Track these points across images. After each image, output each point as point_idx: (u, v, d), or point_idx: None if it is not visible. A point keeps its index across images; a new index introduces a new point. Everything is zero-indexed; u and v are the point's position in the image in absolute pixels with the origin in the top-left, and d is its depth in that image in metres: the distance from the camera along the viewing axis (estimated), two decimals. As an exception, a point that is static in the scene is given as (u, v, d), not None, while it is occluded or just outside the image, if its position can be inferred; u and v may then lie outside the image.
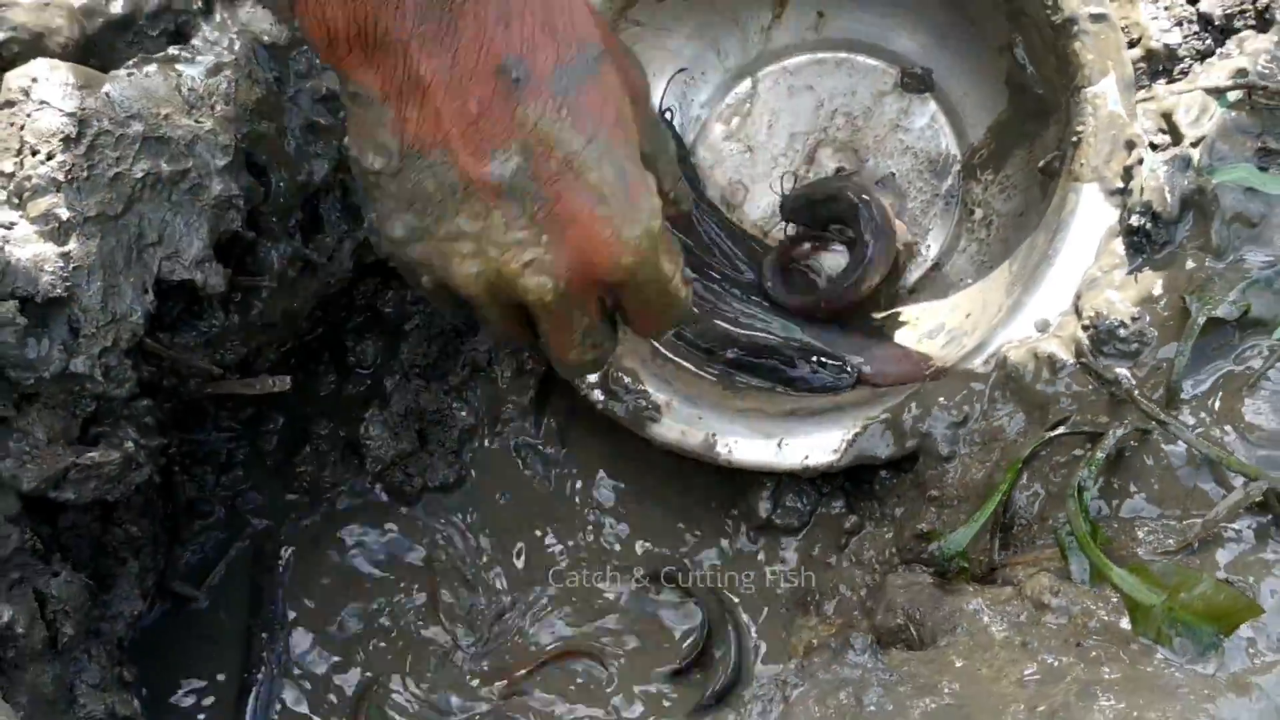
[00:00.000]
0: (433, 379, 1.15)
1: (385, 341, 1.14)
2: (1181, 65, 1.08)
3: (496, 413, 1.16)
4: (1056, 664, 0.79)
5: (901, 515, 1.03)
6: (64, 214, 0.86)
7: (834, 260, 1.17)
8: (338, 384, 1.16)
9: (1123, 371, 0.93)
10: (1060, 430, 0.94)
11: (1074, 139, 1.04)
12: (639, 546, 1.12)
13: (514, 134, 0.74)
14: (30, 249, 0.84)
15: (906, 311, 1.16)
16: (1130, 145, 1.02)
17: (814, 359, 1.12)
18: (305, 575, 1.10)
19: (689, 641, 1.07)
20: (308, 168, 0.98)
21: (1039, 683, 0.77)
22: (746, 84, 1.24)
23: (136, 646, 0.98)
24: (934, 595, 0.89)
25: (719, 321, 1.16)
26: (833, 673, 0.82)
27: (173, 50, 0.93)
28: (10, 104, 0.87)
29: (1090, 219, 1.01)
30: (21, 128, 0.87)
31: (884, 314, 1.17)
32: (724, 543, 1.11)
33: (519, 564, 1.11)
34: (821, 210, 1.18)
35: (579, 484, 1.14)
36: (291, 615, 1.08)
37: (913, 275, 1.18)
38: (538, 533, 1.12)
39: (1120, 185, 1.01)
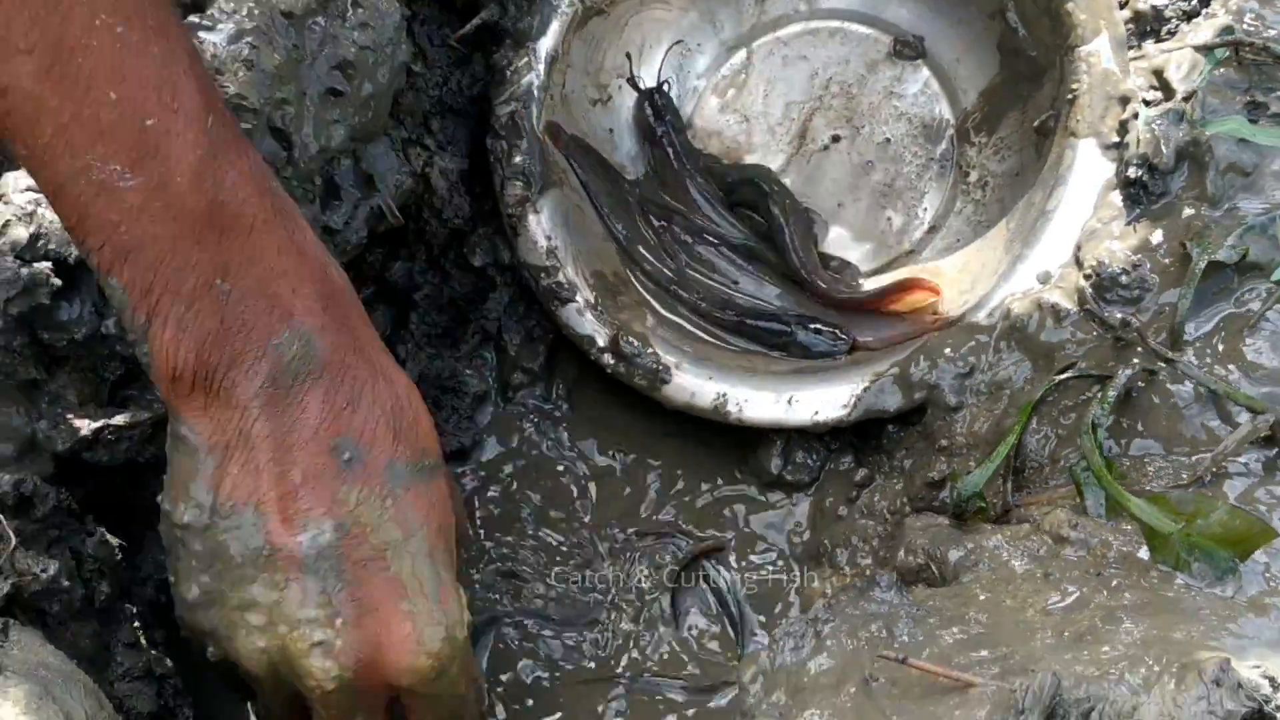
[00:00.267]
0: (444, 347, 1.16)
1: (396, 311, 1.16)
2: (1169, 25, 1.11)
3: (507, 379, 1.17)
4: (1079, 593, 0.81)
5: (911, 466, 1.05)
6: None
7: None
8: (349, 354, 1.17)
9: (1126, 315, 0.96)
10: (1069, 374, 0.96)
11: (1069, 97, 1.07)
12: (648, 507, 1.13)
13: (332, 511, 0.74)
14: (62, 212, 0.85)
15: (904, 272, 1.19)
16: (1125, 101, 1.05)
17: (811, 326, 1.14)
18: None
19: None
20: (326, 133, 0.99)
21: (1064, 610, 0.80)
22: (742, 55, 1.26)
23: (162, 611, 0.99)
24: (953, 535, 0.91)
25: (717, 285, 1.18)
26: (861, 609, 0.84)
27: (193, 19, 0.94)
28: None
29: (1088, 173, 1.04)
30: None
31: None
32: (734, 499, 1.13)
33: (530, 527, 1.12)
34: (734, 194, 1.22)
35: (590, 447, 1.16)
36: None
37: (910, 238, 1.20)
38: (549, 496, 1.14)
39: (1116, 140, 1.04)
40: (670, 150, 1.21)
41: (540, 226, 1.13)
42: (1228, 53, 1.04)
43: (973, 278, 1.11)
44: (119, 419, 0.88)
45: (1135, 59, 1.08)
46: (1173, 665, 0.71)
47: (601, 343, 1.11)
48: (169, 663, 0.91)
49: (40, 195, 0.85)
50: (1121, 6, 1.12)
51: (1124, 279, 0.98)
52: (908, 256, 1.19)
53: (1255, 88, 1.03)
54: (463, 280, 1.17)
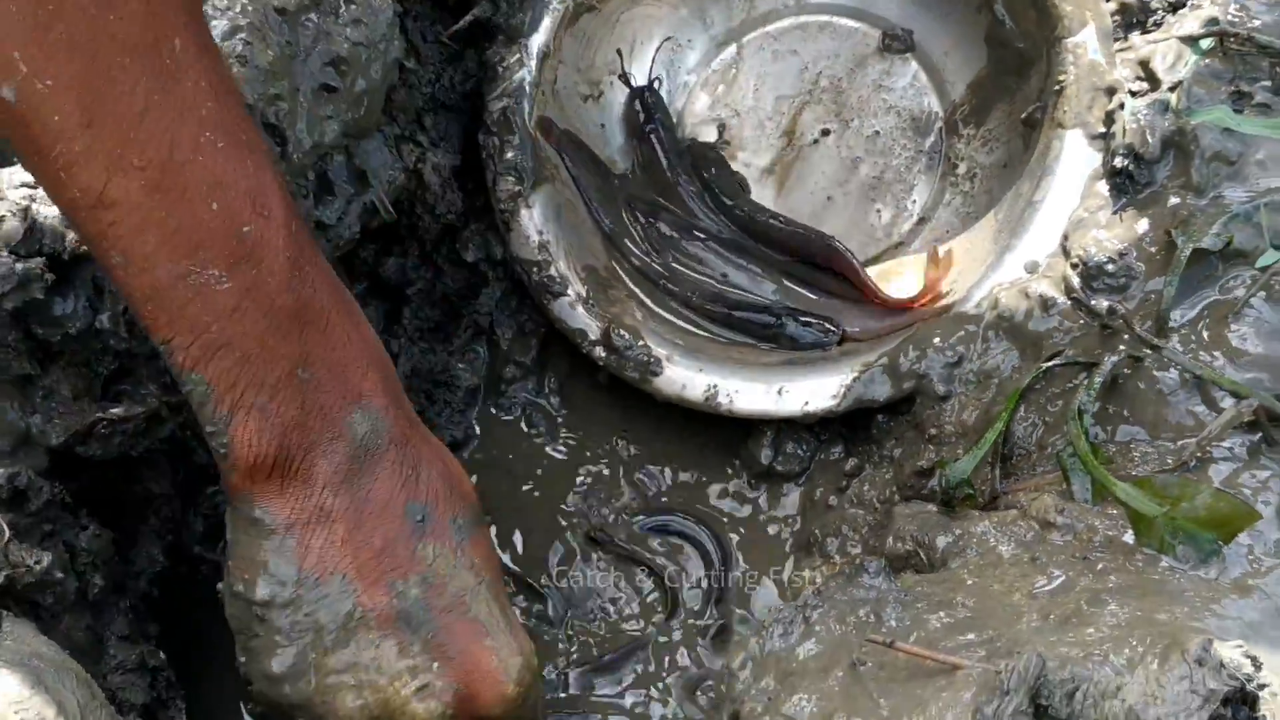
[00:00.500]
0: (436, 342, 1.17)
1: (389, 306, 1.16)
2: (1155, 17, 1.12)
3: (499, 373, 1.18)
4: (1065, 577, 0.82)
5: (900, 455, 1.06)
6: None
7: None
8: (342, 350, 1.17)
9: (1112, 302, 0.96)
10: (1056, 361, 0.97)
11: (1056, 88, 1.07)
12: (640, 500, 1.14)
13: (414, 568, 0.81)
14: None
15: (892, 264, 1.19)
16: (1111, 91, 1.05)
17: (800, 318, 1.15)
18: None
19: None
20: (320, 129, 1.00)
21: (1050, 593, 0.80)
22: (732, 50, 1.27)
23: (154, 605, 1.00)
24: (941, 521, 0.92)
25: (705, 279, 1.18)
26: (849, 594, 0.85)
27: (185, 15, 0.94)
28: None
29: (1074, 163, 1.05)
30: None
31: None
32: (726, 490, 1.14)
33: (524, 519, 1.13)
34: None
35: (581, 440, 1.16)
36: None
37: (899, 230, 1.21)
38: (542, 487, 1.15)
39: (1102, 130, 1.05)
40: (659, 148, 1.22)
41: (532, 221, 1.14)
42: (1213, 43, 1.04)
43: (961, 268, 1.12)
44: (113, 413, 0.89)
45: (1122, 50, 1.09)
46: (1156, 646, 0.71)
47: (593, 336, 1.12)
48: (162, 655, 0.92)
49: (33, 192, 0.85)
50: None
51: (1110, 267, 0.99)
52: (896, 249, 1.20)
53: (1240, 78, 1.03)
54: (455, 275, 1.18)
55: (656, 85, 1.24)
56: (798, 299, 1.17)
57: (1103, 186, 1.04)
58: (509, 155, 1.14)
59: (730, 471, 1.15)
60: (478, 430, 1.17)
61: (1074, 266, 1.01)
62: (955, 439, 1.02)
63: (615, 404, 1.17)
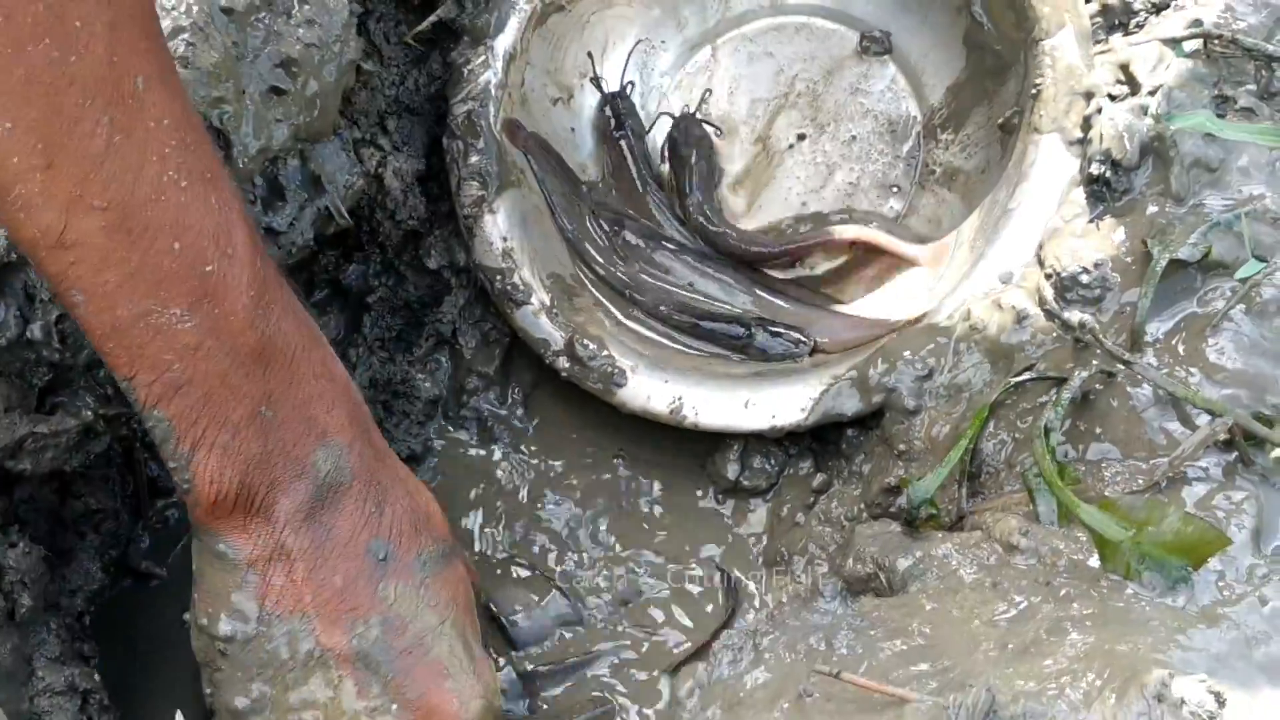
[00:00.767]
0: (397, 351, 1.14)
1: (349, 314, 1.14)
2: (1137, 19, 1.08)
3: (461, 383, 1.15)
4: (1027, 603, 0.78)
5: (869, 472, 1.02)
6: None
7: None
8: (301, 359, 1.14)
9: (1084, 315, 0.93)
10: (1026, 376, 0.93)
11: (1033, 92, 1.04)
12: (604, 517, 1.11)
13: (375, 608, 0.80)
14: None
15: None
16: (1089, 95, 1.02)
17: (770, 328, 1.12)
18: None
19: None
20: (268, 132, 0.97)
21: (1010, 621, 0.77)
22: (706, 52, 1.24)
23: (99, 622, 0.97)
24: (903, 542, 0.88)
25: (673, 288, 1.15)
26: (803, 620, 0.82)
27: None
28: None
29: (1051, 169, 1.01)
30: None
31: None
32: (692, 506, 1.11)
33: (482, 534, 1.10)
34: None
35: (546, 452, 1.13)
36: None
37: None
38: (502, 502, 1.11)
39: (1080, 135, 1.01)
40: (629, 156, 1.19)
41: (496, 227, 1.11)
42: (1197, 46, 1.01)
43: (936, 278, 1.08)
44: (44, 425, 0.86)
45: (1102, 53, 1.05)
46: (1115, 679, 0.68)
47: (557, 346, 1.09)
48: (96, 678, 0.89)
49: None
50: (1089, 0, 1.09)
51: (1084, 278, 0.95)
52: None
53: (1224, 81, 1.00)
54: (418, 283, 1.15)
55: (628, 90, 1.21)
56: (768, 308, 1.13)
57: (1079, 194, 1.00)
58: (473, 160, 1.12)
59: (697, 486, 1.11)
60: (437, 442, 1.14)
61: (1048, 277, 0.97)
62: (925, 455, 0.99)
63: (582, 416, 1.13)
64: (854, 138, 1.19)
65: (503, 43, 1.14)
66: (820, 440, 1.08)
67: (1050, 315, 0.95)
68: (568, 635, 1.06)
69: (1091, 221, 0.98)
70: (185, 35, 0.93)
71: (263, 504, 0.77)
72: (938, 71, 1.18)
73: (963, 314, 1.00)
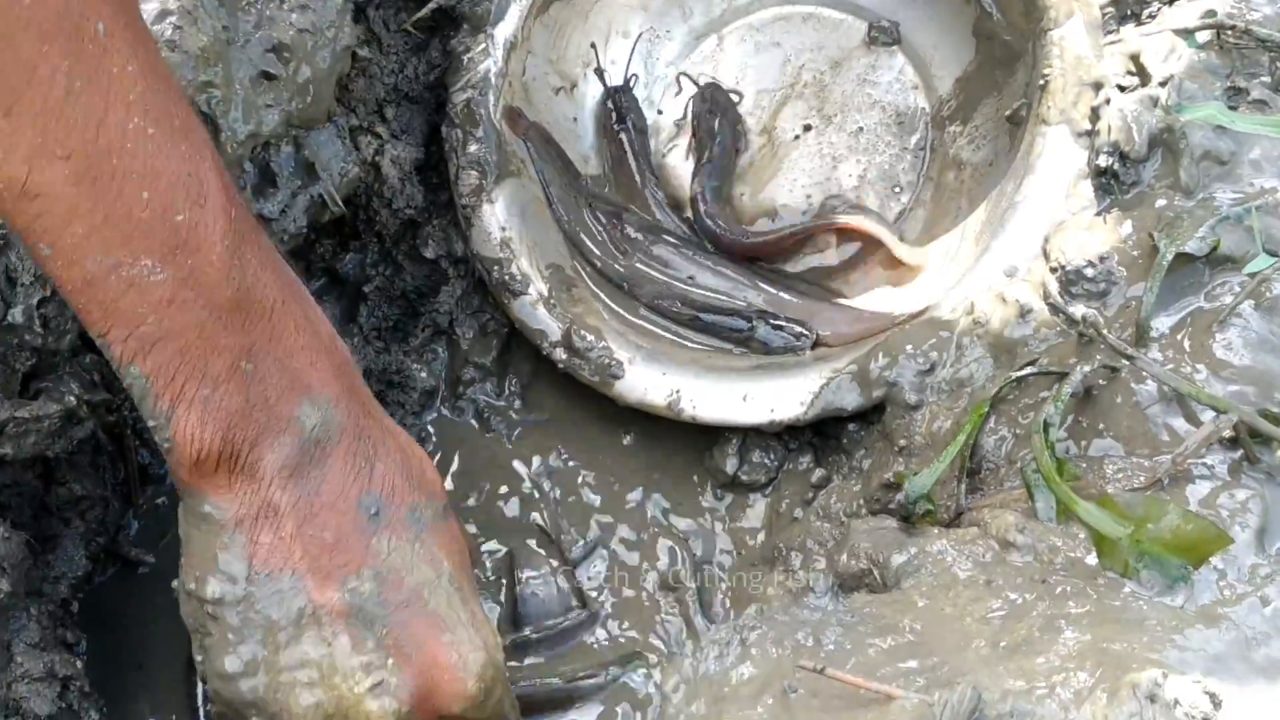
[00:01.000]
0: (393, 341, 1.13)
1: (345, 304, 1.12)
2: (1150, 9, 1.06)
3: (458, 374, 1.14)
4: (1021, 600, 0.76)
5: (870, 467, 1.00)
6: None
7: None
8: (297, 348, 1.13)
9: (1087, 309, 0.91)
10: (1027, 371, 0.91)
11: (1041, 82, 1.02)
12: (602, 507, 1.09)
13: (368, 562, 0.78)
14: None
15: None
16: (1098, 86, 1.00)
17: (772, 321, 1.10)
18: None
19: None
20: (257, 118, 0.96)
21: (1004, 618, 0.75)
22: (712, 41, 1.22)
23: (86, 609, 0.96)
24: (898, 539, 0.86)
25: (673, 281, 1.13)
26: (791, 615, 0.80)
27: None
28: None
29: (1058, 161, 0.99)
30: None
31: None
32: (690, 500, 1.09)
33: (477, 527, 1.09)
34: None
35: (542, 445, 1.12)
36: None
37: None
38: (499, 495, 1.10)
39: (1088, 126, 0.99)
40: (630, 150, 1.17)
41: (495, 217, 1.09)
42: (1209, 36, 0.99)
43: (941, 270, 1.06)
44: (26, 410, 0.85)
45: (1113, 43, 1.03)
46: (1107, 679, 0.66)
47: (554, 337, 1.07)
48: (78, 664, 0.88)
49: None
50: (1101, -12, 1.07)
51: (1089, 272, 0.93)
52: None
53: (1237, 73, 0.98)
54: (415, 272, 1.14)
55: (631, 83, 1.20)
56: (770, 301, 1.11)
57: (1087, 186, 0.98)
58: (472, 149, 1.10)
59: (696, 479, 1.09)
60: (434, 433, 1.12)
61: (1053, 270, 0.95)
62: (926, 451, 0.97)
63: (580, 408, 1.12)
64: (861, 129, 1.17)
65: (503, 30, 1.13)
66: (820, 435, 1.06)
67: (1054, 309, 0.93)
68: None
69: (1099, 214, 0.96)
70: (173, 18, 0.91)
71: (247, 461, 0.75)
72: (946, 62, 1.16)
73: (966, 308, 0.98)
